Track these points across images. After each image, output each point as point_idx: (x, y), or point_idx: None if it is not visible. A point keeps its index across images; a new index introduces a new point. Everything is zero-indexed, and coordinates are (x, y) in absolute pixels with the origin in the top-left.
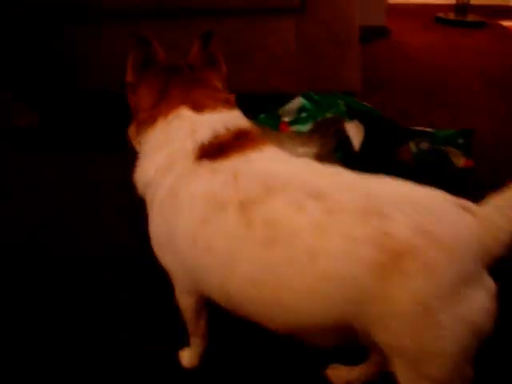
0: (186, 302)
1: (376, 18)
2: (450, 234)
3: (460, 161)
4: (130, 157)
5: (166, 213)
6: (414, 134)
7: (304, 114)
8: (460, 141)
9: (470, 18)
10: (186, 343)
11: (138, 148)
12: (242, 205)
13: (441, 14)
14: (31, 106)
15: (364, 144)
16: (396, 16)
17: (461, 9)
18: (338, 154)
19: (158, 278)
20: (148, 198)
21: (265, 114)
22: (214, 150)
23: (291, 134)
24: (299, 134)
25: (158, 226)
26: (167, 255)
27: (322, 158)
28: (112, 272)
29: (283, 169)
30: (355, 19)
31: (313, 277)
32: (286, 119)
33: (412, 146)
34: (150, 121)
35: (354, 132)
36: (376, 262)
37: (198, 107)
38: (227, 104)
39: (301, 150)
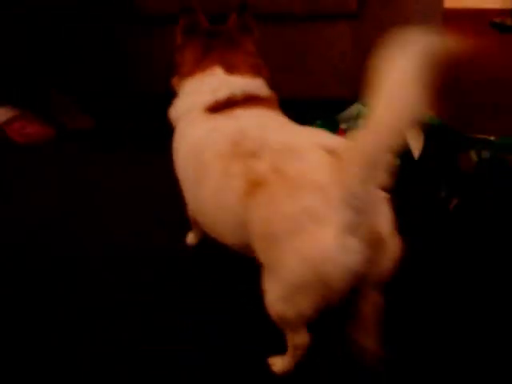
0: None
1: (432, 23)
2: (298, 172)
3: None
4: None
5: (181, 141)
6: (474, 142)
7: (362, 122)
8: None
9: None
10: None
11: (178, 91)
12: (200, 150)
13: (497, 19)
14: (85, 108)
15: (423, 152)
16: (450, 21)
17: None
18: (397, 161)
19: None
20: (176, 129)
21: (322, 119)
22: (223, 106)
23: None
24: None
25: (177, 152)
26: (180, 177)
27: None
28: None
29: (250, 125)
30: (413, 24)
31: (216, 207)
32: (344, 126)
33: (473, 155)
34: (191, 73)
35: (414, 139)
36: (242, 192)
37: (229, 69)
38: (255, 68)
39: None
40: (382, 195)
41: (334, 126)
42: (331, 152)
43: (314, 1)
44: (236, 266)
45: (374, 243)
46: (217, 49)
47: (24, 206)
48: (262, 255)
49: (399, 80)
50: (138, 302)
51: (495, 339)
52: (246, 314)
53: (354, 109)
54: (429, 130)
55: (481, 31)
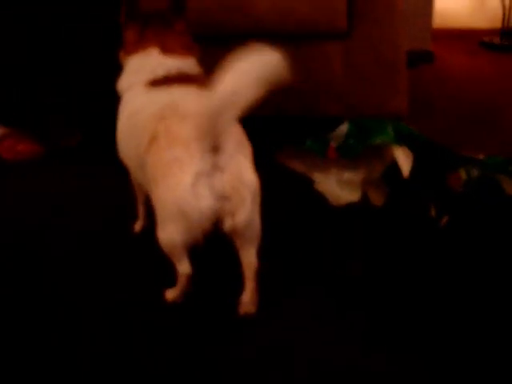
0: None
1: (421, 43)
2: (177, 130)
3: (511, 188)
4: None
5: (121, 113)
6: (464, 161)
7: (352, 140)
8: (511, 168)
9: None
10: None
11: (122, 64)
12: (136, 113)
13: (486, 39)
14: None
15: (413, 171)
16: (440, 40)
17: (506, 33)
18: (387, 179)
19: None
20: (119, 106)
21: (313, 138)
22: (160, 83)
23: (338, 159)
24: (346, 159)
25: (118, 121)
26: (119, 144)
27: (369, 183)
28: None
29: (176, 97)
30: (403, 43)
31: (136, 155)
32: (334, 144)
33: (462, 173)
34: (132, 52)
35: (403, 158)
36: (147, 143)
37: (164, 50)
38: (187, 47)
39: (347, 175)
40: (247, 163)
41: (324, 144)
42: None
43: (304, 20)
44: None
45: (227, 197)
46: (152, 30)
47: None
48: (151, 193)
49: (245, 65)
50: (138, 302)
51: (485, 356)
52: None
53: (344, 127)
54: (418, 149)
55: (470, 51)
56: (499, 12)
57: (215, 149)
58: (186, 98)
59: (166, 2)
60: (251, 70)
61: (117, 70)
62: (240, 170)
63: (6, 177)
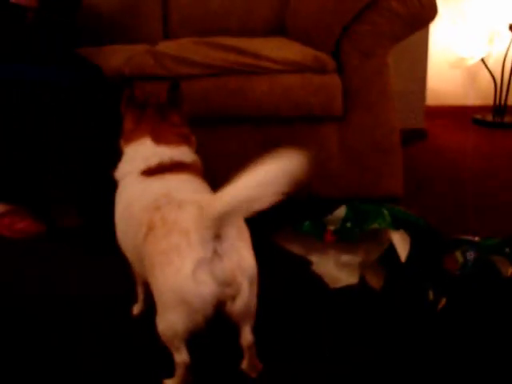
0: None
1: (415, 121)
2: (174, 220)
3: (508, 270)
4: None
5: (118, 201)
6: (460, 244)
7: (349, 224)
8: (507, 250)
9: (508, 119)
10: None
11: (123, 153)
12: (132, 204)
13: (478, 116)
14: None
15: (410, 254)
16: (433, 117)
17: (499, 110)
18: (384, 263)
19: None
20: (118, 189)
21: (310, 221)
22: (154, 171)
23: (336, 242)
24: (344, 242)
25: (116, 210)
26: (117, 232)
27: (366, 267)
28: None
29: (170, 186)
30: (397, 125)
31: (133, 247)
32: (332, 227)
33: (459, 256)
34: (129, 140)
35: (400, 242)
36: (144, 235)
37: (157, 139)
38: (182, 137)
39: (344, 257)
40: (247, 249)
41: (321, 228)
42: (201, 206)
43: (300, 104)
44: None
45: (228, 283)
46: (147, 120)
47: None
48: (151, 283)
49: (264, 173)
50: None
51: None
52: None
53: (341, 210)
54: (414, 233)
55: (463, 127)
56: (491, 89)
57: (217, 236)
58: (179, 186)
59: (162, 95)
60: (268, 177)
61: (118, 155)
62: (240, 256)
63: (2, 254)
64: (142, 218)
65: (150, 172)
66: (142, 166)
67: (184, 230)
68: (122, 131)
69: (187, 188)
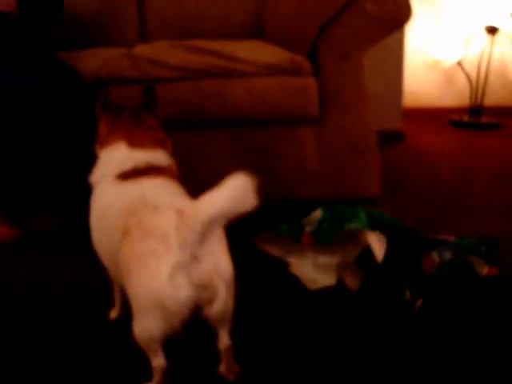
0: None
1: (392, 123)
2: (150, 224)
3: (483, 269)
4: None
5: (93, 206)
6: (436, 244)
7: (325, 225)
8: (482, 249)
9: (484, 119)
10: None
11: (98, 158)
12: (107, 208)
13: (455, 117)
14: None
15: (387, 255)
16: (410, 119)
17: (475, 111)
18: (361, 264)
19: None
20: (93, 193)
21: (287, 223)
22: (129, 175)
23: (313, 244)
24: (321, 244)
25: (91, 214)
26: (92, 236)
27: (343, 268)
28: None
29: (145, 190)
30: (373, 126)
31: (108, 250)
32: (309, 229)
33: (435, 256)
34: (103, 145)
35: (377, 243)
36: (118, 239)
37: (132, 144)
38: (157, 141)
39: (322, 259)
40: (224, 253)
41: (299, 230)
42: (179, 210)
43: (277, 105)
44: None
45: (204, 287)
46: (122, 124)
47: None
48: (126, 287)
49: (232, 187)
50: None
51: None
52: None
53: (317, 213)
54: (391, 233)
55: (440, 129)
56: (467, 90)
57: (197, 241)
58: (155, 190)
59: (137, 99)
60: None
61: (94, 157)
62: (217, 260)
63: None
64: (117, 222)
65: (125, 176)
66: (117, 170)
67: (162, 235)
68: (97, 136)
69: (163, 192)
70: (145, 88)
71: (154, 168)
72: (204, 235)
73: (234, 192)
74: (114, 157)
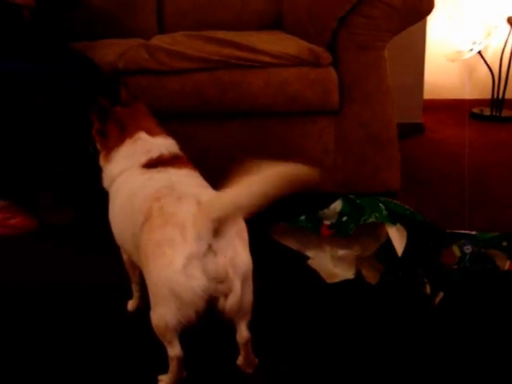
0: (124, 258)
1: (412, 115)
2: (172, 212)
3: (505, 264)
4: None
5: (117, 195)
6: (457, 238)
7: (345, 218)
8: (504, 243)
9: (506, 113)
10: None
11: (104, 165)
12: (135, 194)
13: (476, 110)
14: (68, 203)
15: (407, 248)
16: (430, 111)
17: (497, 104)
18: (380, 258)
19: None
20: (111, 189)
21: (306, 216)
22: (155, 164)
23: (332, 237)
24: (340, 237)
25: (113, 204)
26: (115, 225)
27: (363, 261)
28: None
29: (174, 178)
30: (394, 120)
31: (132, 235)
32: (327, 222)
33: (456, 250)
34: (119, 143)
35: (397, 237)
36: (141, 223)
37: (150, 132)
38: (160, 126)
39: (340, 252)
40: (243, 247)
41: (317, 222)
42: (199, 202)
43: (296, 98)
44: None
45: (220, 279)
46: (129, 119)
47: None
48: (145, 274)
49: (261, 178)
50: None
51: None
52: None
53: (337, 205)
54: (411, 227)
55: (460, 122)
56: (489, 82)
57: (215, 232)
58: (182, 180)
59: (122, 94)
60: (266, 185)
61: None
62: (234, 253)
63: None
64: (142, 206)
65: (152, 164)
66: (144, 158)
67: (180, 224)
68: (103, 144)
69: (190, 182)
70: (123, 82)
71: (177, 157)
72: (220, 228)
73: (255, 187)
74: (139, 146)
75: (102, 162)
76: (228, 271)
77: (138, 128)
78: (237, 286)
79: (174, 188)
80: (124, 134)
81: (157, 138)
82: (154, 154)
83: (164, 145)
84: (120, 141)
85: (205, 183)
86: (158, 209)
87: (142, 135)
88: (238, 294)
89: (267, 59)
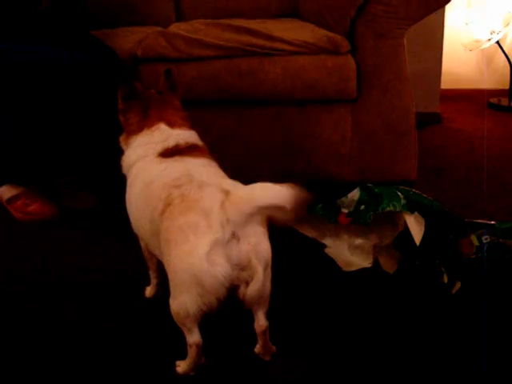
0: (142, 245)
1: (430, 105)
2: (194, 199)
3: None
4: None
5: (133, 182)
6: (475, 227)
7: (363, 207)
8: None
9: None
10: None
11: (124, 148)
12: (152, 182)
13: (493, 100)
14: (92, 188)
15: (425, 237)
16: (448, 101)
17: None
18: (398, 246)
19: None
20: (129, 176)
21: (323, 204)
22: (171, 153)
23: (350, 225)
24: (358, 225)
25: (130, 192)
26: (132, 213)
27: (381, 249)
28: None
29: (191, 167)
30: (412, 108)
31: (151, 222)
32: (345, 210)
33: (474, 239)
34: (138, 130)
35: (414, 225)
36: (160, 210)
37: (170, 124)
38: (185, 120)
39: (358, 241)
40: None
41: (335, 210)
42: (225, 190)
43: (313, 86)
44: None
45: (242, 266)
46: (155, 108)
47: None
48: (164, 261)
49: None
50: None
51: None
52: None
53: (355, 193)
54: (429, 216)
55: (478, 111)
56: (507, 72)
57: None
58: (199, 169)
59: (160, 83)
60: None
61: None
62: (257, 241)
63: (14, 236)
64: (161, 193)
65: (168, 154)
66: (160, 147)
67: (205, 210)
68: (125, 126)
69: (207, 171)
70: (165, 71)
71: (194, 146)
72: (250, 218)
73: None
74: (155, 137)
75: (121, 143)
76: (251, 259)
77: (159, 119)
78: (259, 273)
79: (192, 176)
80: (145, 121)
81: (175, 129)
82: (171, 143)
83: (181, 135)
84: (139, 128)
85: (221, 173)
86: (179, 196)
87: (162, 126)
88: (260, 282)
89: (285, 47)
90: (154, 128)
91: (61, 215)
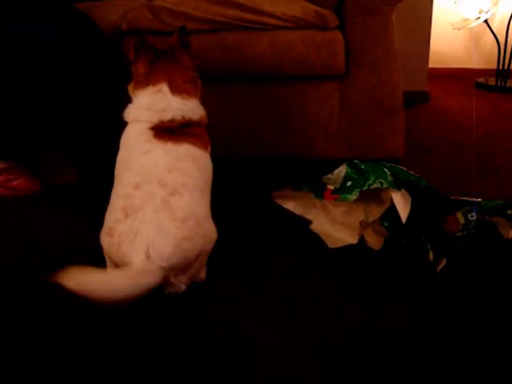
0: None
1: (417, 83)
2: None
3: (509, 232)
4: None
5: (122, 145)
6: (461, 205)
7: (349, 183)
8: (509, 212)
9: (511, 83)
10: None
11: (131, 96)
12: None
13: (481, 80)
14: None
15: (411, 215)
16: (435, 80)
17: (502, 74)
18: (385, 223)
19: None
20: (124, 131)
21: (309, 181)
22: (162, 130)
23: (336, 202)
24: (344, 202)
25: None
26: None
27: (366, 226)
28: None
29: (158, 172)
30: (400, 85)
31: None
32: (331, 187)
33: (460, 217)
34: (143, 85)
35: (401, 202)
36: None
37: (174, 87)
38: (193, 83)
39: (344, 217)
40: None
41: (321, 187)
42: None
43: (301, 62)
44: None
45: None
46: (162, 63)
47: None
48: None
49: None
50: None
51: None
52: None
53: (341, 170)
54: (416, 193)
55: (466, 91)
56: (495, 52)
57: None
58: (164, 171)
59: (172, 38)
60: None
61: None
62: None
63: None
64: (117, 201)
65: (159, 130)
66: (156, 118)
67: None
68: (134, 75)
69: (170, 176)
70: (179, 27)
71: (189, 124)
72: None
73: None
74: (156, 103)
75: (129, 91)
76: None
77: (164, 77)
78: None
79: (148, 176)
80: (150, 76)
81: (177, 96)
82: (167, 117)
83: (179, 107)
84: (145, 82)
85: (187, 176)
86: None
87: (164, 88)
88: None
89: (272, 21)
90: (157, 88)
91: (43, 190)
